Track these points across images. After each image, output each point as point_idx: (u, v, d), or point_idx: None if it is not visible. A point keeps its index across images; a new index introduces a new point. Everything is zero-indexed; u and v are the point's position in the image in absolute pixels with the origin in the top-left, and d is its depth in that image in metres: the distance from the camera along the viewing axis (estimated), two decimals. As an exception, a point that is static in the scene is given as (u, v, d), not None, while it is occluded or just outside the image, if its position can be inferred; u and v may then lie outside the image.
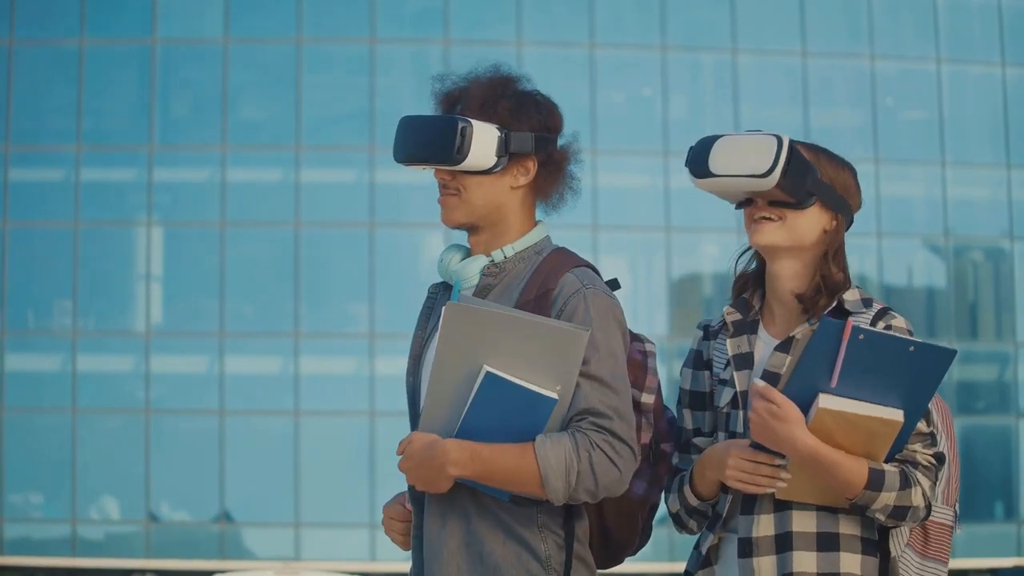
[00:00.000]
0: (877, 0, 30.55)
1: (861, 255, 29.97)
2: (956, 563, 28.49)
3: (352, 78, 29.64)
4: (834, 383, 3.27)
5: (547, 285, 3.44)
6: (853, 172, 3.57)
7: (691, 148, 3.54)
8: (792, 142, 3.47)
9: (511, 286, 3.49)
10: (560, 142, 3.56)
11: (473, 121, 3.45)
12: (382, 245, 29.13)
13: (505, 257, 3.52)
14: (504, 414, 3.36)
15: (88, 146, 29.25)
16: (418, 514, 3.52)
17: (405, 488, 3.58)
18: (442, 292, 3.65)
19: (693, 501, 3.52)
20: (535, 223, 3.56)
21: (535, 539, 3.44)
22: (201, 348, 29.02)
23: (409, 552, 3.60)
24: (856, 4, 30.57)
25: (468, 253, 3.58)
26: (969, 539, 29.17)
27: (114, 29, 29.56)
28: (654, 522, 3.67)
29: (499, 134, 3.47)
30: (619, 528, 3.58)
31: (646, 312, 30.00)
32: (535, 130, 3.51)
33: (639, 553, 3.78)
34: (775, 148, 3.43)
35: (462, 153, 3.43)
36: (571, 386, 3.37)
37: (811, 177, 3.46)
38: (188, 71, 29.72)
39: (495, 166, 3.47)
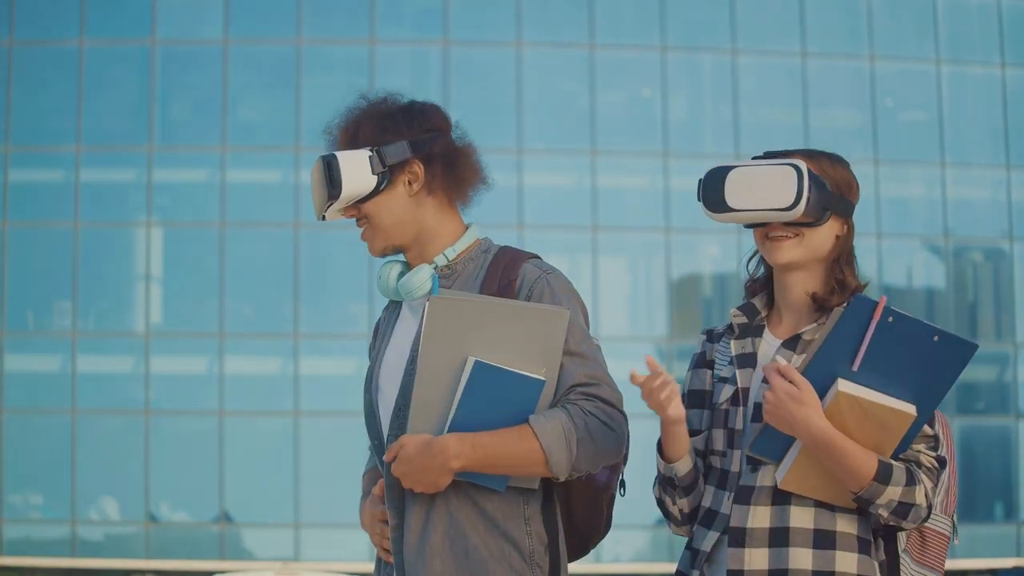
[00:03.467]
0: (877, 0, 30.55)
1: (861, 255, 29.62)
2: (956, 563, 28.47)
3: (352, 79, 29.62)
4: (857, 365, 3.28)
5: (508, 276, 3.53)
6: (848, 165, 3.58)
7: (701, 181, 3.54)
8: (804, 165, 3.46)
9: (466, 285, 3.56)
10: (453, 137, 3.65)
11: (338, 153, 3.57)
12: (382, 245, 29.10)
13: (448, 260, 3.60)
14: (495, 402, 3.40)
15: (88, 146, 29.25)
16: (397, 515, 3.53)
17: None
18: (395, 308, 3.73)
19: (661, 467, 3.52)
20: (465, 226, 3.66)
21: (520, 533, 3.49)
22: (201, 349, 29.02)
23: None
24: (856, 4, 30.57)
25: (407, 267, 3.67)
26: (969, 539, 29.15)
27: (114, 30, 29.56)
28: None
29: (369, 154, 3.57)
30: (585, 517, 3.64)
31: (646, 312, 29.99)
32: (409, 136, 3.59)
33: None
34: (796, 179, 3.43)
35: (336, 186, 3.56)
36: (556, 366, 3.44)
37: (825, 194, 3.48)
38: (188, 72, 29.72)
39: (379, 184, 3.58)
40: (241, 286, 29.25)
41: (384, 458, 3.51)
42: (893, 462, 3.34)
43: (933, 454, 3.40)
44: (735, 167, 3.51)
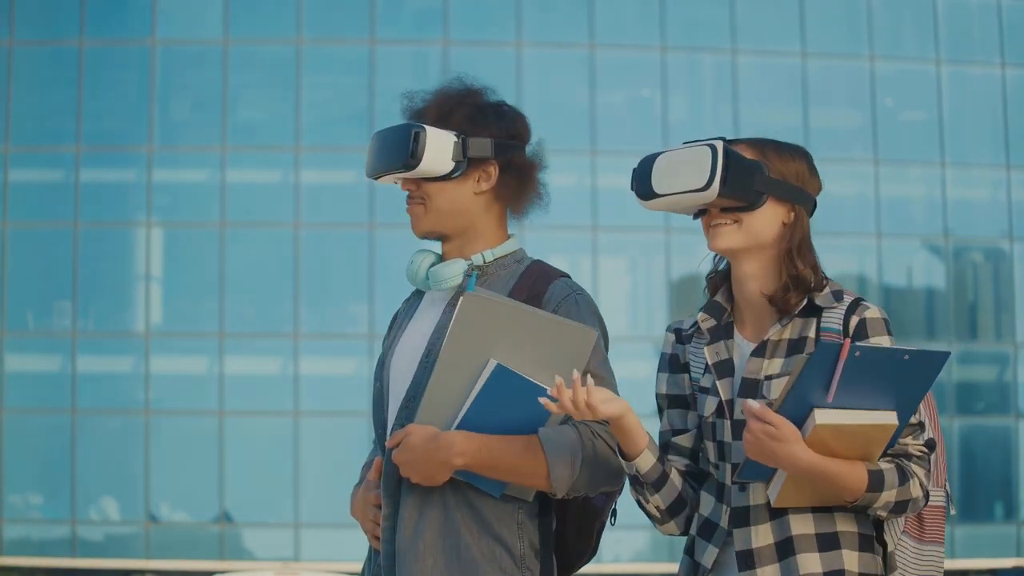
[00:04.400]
0: (877, 0, 30.55)
1: (861, 255, 29.97)
2: (956, 563, 28.49)
3: (352, 78, 29.64)
4: (830, 399, 3.26)
5: (537, 290, 3.54)
6: (806, 157, 3.49)
7: (634, 170, 3.48)
8: (729, 146, 3.40)
9: (494, 290, 3.55)
10: (528, 151, 3.65)
11: (428, 127, 3.54)
12: (382, 245, 29.14)
13: (485, 261, 3.61)
14: (508, 407, 3.40)
15: (88, 147, 29.25)
16: (391, 504, 3.53)
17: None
18: (415, 300, 3.73)
19: (624, 467, 3.47)
20: (508, 234, 3.66)
21: (512, 537, 3.49)
22: (201, 349, 29.02)
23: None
24: (856, 4, 30.57)
25: (440, 258, 3.66)
26: (969, 539, 29.16)
27: (114, 30, 29.56)
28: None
29: (455, 139, 3.56)
30: (577, 537, 3.64)
31: (646, 313, 29.99)
32: (495, 137, 3.60)
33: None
34: (710, 159, 3.36)
35: (416, 158, 3.53)
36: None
37: (757, 176, 3.40)
38: (188, 72, 29.72)
39: (454, 171, 3.57)
40: (241, 286, 29.25)
41: (387, 443, 3.50)
42: (883, 466, 3.32)
43: (920, 442, 3.38)
44: (663, 153, 3.45)
